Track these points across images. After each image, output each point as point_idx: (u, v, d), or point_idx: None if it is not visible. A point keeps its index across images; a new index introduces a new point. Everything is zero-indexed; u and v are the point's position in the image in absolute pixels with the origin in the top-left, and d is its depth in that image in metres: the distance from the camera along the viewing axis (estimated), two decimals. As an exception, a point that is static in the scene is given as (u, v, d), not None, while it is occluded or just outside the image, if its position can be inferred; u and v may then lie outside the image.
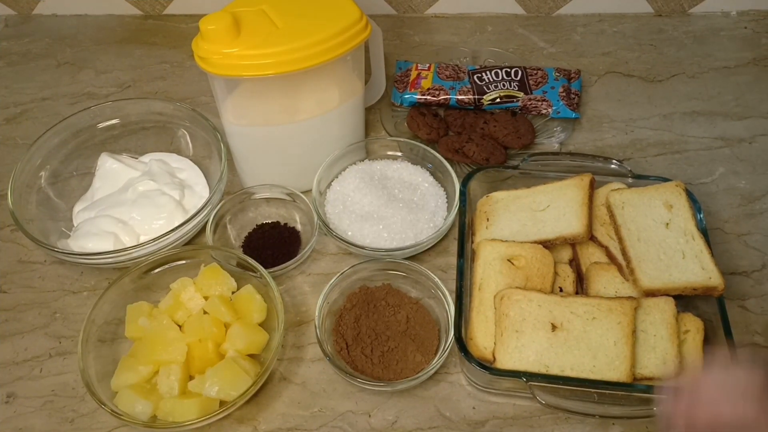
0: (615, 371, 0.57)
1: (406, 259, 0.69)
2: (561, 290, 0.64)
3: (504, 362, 0.58)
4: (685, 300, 0.62)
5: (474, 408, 0.62)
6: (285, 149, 0.74)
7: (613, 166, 0.72)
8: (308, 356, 0.66)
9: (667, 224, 0.65)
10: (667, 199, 0.66)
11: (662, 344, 0.58)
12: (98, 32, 1.01)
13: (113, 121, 0.81)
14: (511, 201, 0.70)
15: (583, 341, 0.58)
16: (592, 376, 0.57)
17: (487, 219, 0.69)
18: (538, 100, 0.82)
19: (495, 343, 0.59)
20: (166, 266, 0.69)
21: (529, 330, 0.58)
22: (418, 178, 0.77)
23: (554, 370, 0.57)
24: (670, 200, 0.66)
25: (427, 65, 0.87)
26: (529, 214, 0.68)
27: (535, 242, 0.66)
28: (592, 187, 0.68)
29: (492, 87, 0.83)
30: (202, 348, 0.62)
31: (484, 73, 0.84)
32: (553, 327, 0.59)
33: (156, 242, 0.68)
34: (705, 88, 0.90)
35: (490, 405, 0.62)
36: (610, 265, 0.65)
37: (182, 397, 0.59)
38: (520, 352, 0.58)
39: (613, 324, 0.58)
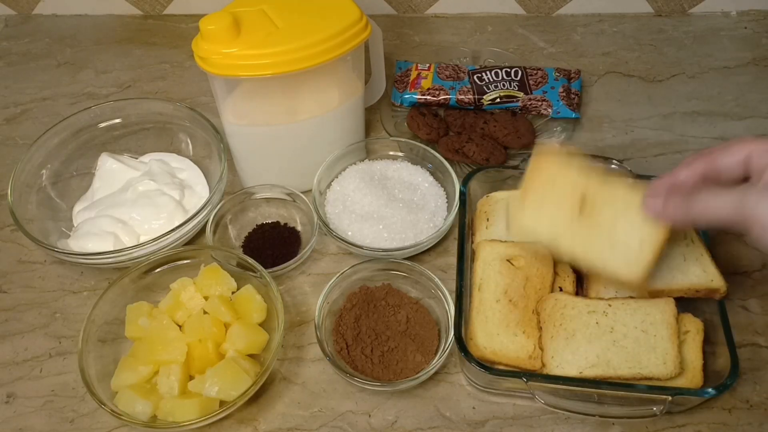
0: (630, 269, 0.54)
1: (406, 259, 0.69)
2: (561, 290, 0.64)
3: (521, 223, 0.56)
4: (686, 300, 0.62)
5: (474, 408, 0.62)
6: (285, 149, 0.74)
7: (613, 166, 0.72)
8: (308, 356, 0.66)
9: None
10: None
11: (662, 344, 0.58)
12: (98, 32, 1.01)
13: (113, 121, 0.81)
14: (511, 201, 0.69)
15: (607, 230, 0.55)
16: (600, 266, 0.55)
17: (487, 219, 0.69)
18: (538, 100, 0.82)
19: (517, 204, 0.57)
20: (166, 266, 0.69)
21: (556, 197, 0.56)
22: (418, 178, 0.77)
23: (564, 244, 0.55)
24: None
25: (427, 65, 0.87)
26: (529, 214, 0.68)
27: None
28: (592, 187, 0.68)
29: (492, 87, 0.83)
30: (202, 348, 0.62)
31: (484, 73, 0.84)
32: (582, 204, 0.55)
33: (156, 242, 0.68)
34: (705, 88, 0.90)
35: (490, 405, 0.62)
36: (611, 265, 0.65)
37: (182, 397, 0.59)
38: (538, 213, 0.56)
39: (646, 223, 0.54)
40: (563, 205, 0.56)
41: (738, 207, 0.44)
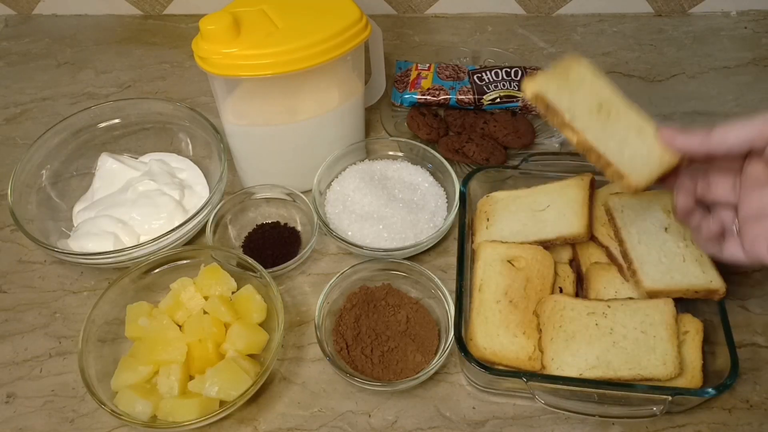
0: (631, 171, 0.54)
1: (406, 259, 0.69)
2: (561, 290, 0.64)
3: (537, 84, 0.55)
4: (685, 300, 0.62)
5: (474, 408, 0.62)
6: (285, 149, 0.74)
7: (613, 166, 0.72)
8: (308, 356, 0.66)
9: (666, 228, 0.65)
10: (665, 204, 0.66)
11: (662, 345, 0.58)
12: (98, 32, 1.01)
13: (113, 121, 0.81)
14: (511, 201, 0.70)
15: (619, 134, 0.55)
16: (608, 155, 0.54)
17: (487, 219, 0.69)
18: (538, 100, 0.82)
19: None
20: (166, 266, 0.69)
21: (578, 90, 0.55)
22: (418, 178, 0.77)
23: (577, 124, 0.54)
24: (669, 205, 0.66)
25: (427, 65, 0.87)
26: (529, 214, 0.68)
27: (536, 242, 0.66)
28: (593, 187, 0.68)
29: (492, 87, 0.83)
30: (202, 348, 0.62)
31: (484, 73, 0.84)
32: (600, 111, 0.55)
33: (156, 242, 0.68)
34: (705, 88, 0.90)
35: (490, 405, 0.62)
36: (611, 265, 0.65)
37: (182, 397, 0.59)
38: (558, 89, 0.55)
39: (656, 147, 0.54)
40: (584, 96, 0.55)
41: (761, 121, 0.47)
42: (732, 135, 0.49)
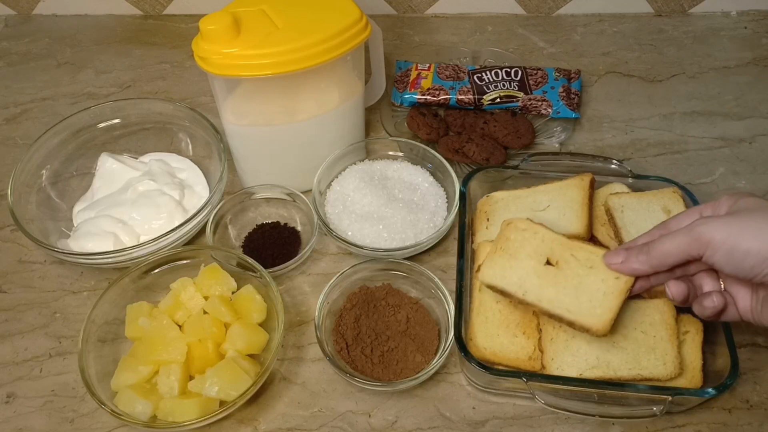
0: (593, 318, 0.55)
1: (406, 259, 0.69)
2: None
3: (485, 277, 0.58)
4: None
5: (474, 408, 0.62)
6: (285, 149, 0.74)
7: (613, 166, 0.72)
8: (308, 356, 0.66)
9: None
10: (665, 204, 0.67)
11: (662, 345, 0.58)
12: (98, 32, 1.01)
13: (113, 122, 0.81)
14: (511, 201, 0.70)
15: (572, 282, 0.56)
16: (567, 316, 0.55)
17: (487, 219, 0.69)
18: (538, 100, 0.82)
19: (485, 259, 0.59)
20: (166, 266, 0.69)
21: (523, 257, 0.58)
22: (418, 178, 0.77)
23: (530, 298, 0.56)
24: (668, 206, 0.67)
25: (427, 65, 0.87)
26: (529, 214, 0.68)
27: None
28: (593, 187, 0.68)
29: (492, 87, 0.83)
30: (202, 348, 0.62)
31: (484, 73, 0.84)
32: (548, 262, 0.58)
33: (156, 242, 0.68)
34: (705, 88, 0.90)
35: (490, 405, 0.62)
36: (610, 265, 0.65)
37: (182, 397, 0.59)
38: (504, 271, 0.58)
39: (610, 277, 0.56)
40: (530, 263, 0.58)
41: (691, 234, 0.51)
42: (670, 259, 0.52)
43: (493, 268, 0.58)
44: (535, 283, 0.57)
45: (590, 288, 0.56)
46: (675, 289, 0.54)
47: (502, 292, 0.58)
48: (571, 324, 0.56)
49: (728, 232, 0.49)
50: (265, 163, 0.75)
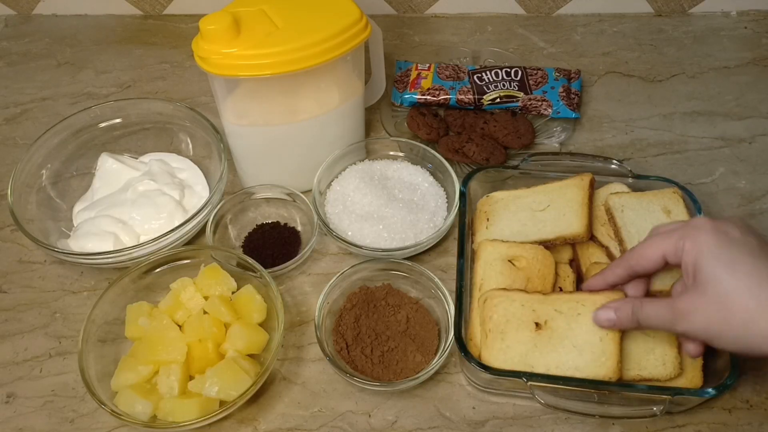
0: (602, 368, 0.56)
1: (406, 259, 0.69)
2: (561, 290, 0.64)
3: (491, 364, 0.58)
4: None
5: (474, 408, 0.62)
6: (285, 149, 0.74)
7: (613, 166, 0.72)
8: (308, 356, 0.66)
9: None
10: (665, 204, 0.67)
11: (661, 346, 0.58)
12: (98, 32, 1.01)
13: (113, 121, 0.81)
14: (511, 201, 0.70)
15: (568, 339, 0.57)
16: (577, 375, 0.56)
17: (487, 219, 0.69)
18: (538, 100, 0.82)
19: (481, 346, 0.59)
20: (166, 266, 0.69)
21: (512, 331, 0.58)
22: (418, 178, 0.77)
23: (539, 370, 0.57)
24: (668, 206, 0.67)
25: (427, 65, 0.87)
26: (529, 214, 0.68)
27: (535, 242, 0.65)
28: (592, 187, 0.68)
29: (492, 87, 0.83)
30: (202, 348, 0.62)
31: (484, 73, 0.84)
32: (537, 326, 0.58)
33: (156, 242, 0.68)
34: (705, 88, 0.90)
35: (490, 405, 0.62)
36: (610, 265, 0.65)
37: (182, 397, 0.59)
38: (504, 354, 0.57)
39: None
40: (522, 335, 0.58)
41: (670, 311, 0.52)
42: (649, 264, 0.55)
43: (493, 354, 0.58)
44: (536, 354, 0.57)
45: (586, 340, 0.57)
46: (603, 316, 0.56)
47: (508, 380, 0.58)
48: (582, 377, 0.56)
49: (708, 322, 0.50)
50: (265, 163, 0.75)
